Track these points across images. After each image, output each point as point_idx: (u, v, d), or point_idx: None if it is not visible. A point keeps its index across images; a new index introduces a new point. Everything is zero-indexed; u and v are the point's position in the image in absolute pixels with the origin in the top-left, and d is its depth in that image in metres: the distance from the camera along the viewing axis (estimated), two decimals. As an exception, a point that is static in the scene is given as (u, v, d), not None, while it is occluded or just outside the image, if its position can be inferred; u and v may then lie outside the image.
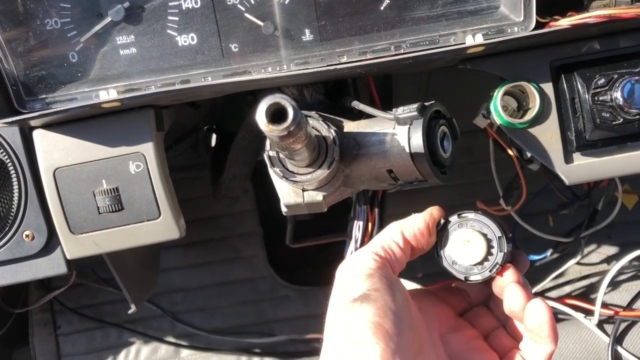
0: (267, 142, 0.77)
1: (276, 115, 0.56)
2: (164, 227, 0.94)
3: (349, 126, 0.86)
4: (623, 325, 1.29)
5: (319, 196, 0.84)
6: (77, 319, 1.52)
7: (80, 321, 1.52)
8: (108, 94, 0.85)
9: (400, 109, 0.81)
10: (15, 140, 0.93)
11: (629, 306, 1.32)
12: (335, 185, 0.84)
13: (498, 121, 0.92)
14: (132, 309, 1.15)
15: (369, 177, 0.85)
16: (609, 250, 1.46)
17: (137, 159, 0.91)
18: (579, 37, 0.90)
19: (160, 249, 1.45)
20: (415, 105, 0.80)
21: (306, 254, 1.51)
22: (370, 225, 1.07)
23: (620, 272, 1.35)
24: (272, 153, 0.77)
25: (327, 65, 0.84)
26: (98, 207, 0.92)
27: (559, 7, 0.88)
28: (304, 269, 1.57)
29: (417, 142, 0.79)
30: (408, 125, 0.80)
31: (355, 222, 1.07)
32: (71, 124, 0.91)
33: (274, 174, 0.78)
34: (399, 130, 0.81)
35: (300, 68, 0.85)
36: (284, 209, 0.88)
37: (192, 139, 1.39)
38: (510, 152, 1.07)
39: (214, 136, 1.43)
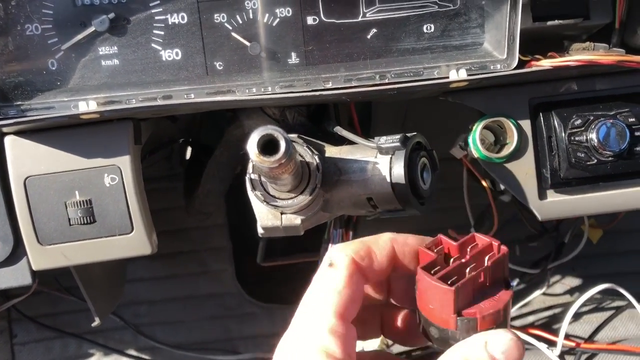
0: (250, 165, 0.76)
1: (267, 145, 0.55)
2: (136, 242, 0.92)
3: (330, 151, 0.86)
4: (584, 357, 1.32)
5: (297, 220, 0.84)
6: (35, 328, 1.47)
7: (39, 330, 1.47)
8: (88, 105, 0.83)
9: (383, 139, 0.82)
10: (-16, 145, 0.90)
11: (590, 338, 1.35)
12: (314, 209, 0.84)
13: (476, 154, 0.93)
14: (96, 321, 1.12)
15: (348, 204, 0.85)
16: (572, 282, 1.50)
17: (112, 171, 0.89)
18: (558, 77, 0.92)
19: (127, 261, 1.42)
20: (398, 136, 0.80)
21: (275, 271, 1.50)
22: (344, 249, 1.07)
23: (582, 305, 1.38)
24: (253, 176, 0.76)
25: (312, 90, 0.84)
26: (69, 219, 0.90)
27: (539, 46, 0.90)
28: (272, 286, 1.56)
29: (399, 172, 0.79)
30: (390, 155, 0.81)
31: (330, 245, 1.07)
32: (45, 132, 0.89)
33: (255, 197, 0.77)
34: (381, 160, 0.82)
35: (285, 91, 0.85)
36: (260, 231, 0.87)
37: (167, 150, 1.37)
38: (484, 183, 1.09)
39: (189, 149, 1.41)
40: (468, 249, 0.60)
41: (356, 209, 0.87)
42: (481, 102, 0.92)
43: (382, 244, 0.62)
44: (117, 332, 1.50)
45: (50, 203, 0.90)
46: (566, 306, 1.41)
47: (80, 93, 0.86)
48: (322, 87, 0.85)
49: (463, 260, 0.59)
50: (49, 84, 0.86)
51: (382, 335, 0.71)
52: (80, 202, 0.89)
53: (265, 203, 0.76)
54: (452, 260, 0.60)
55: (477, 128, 0.92)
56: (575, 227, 1.37)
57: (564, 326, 1.26)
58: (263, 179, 0.77)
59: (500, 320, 0.58)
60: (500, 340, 0.56)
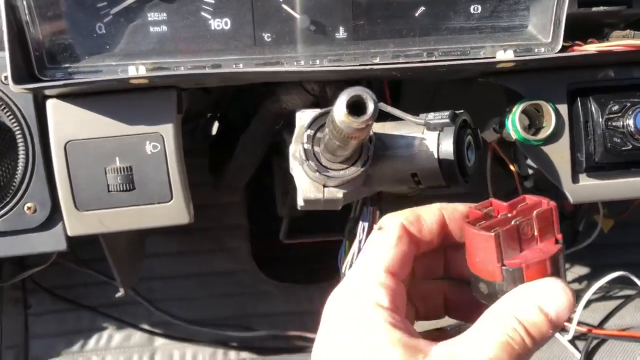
0: (305, 135, 0.77)
1: (353, 107, 0.56)
2: (174, 211, 0.92)
3: (374, 126, 0.87)
4: (594, 343, 1.35)
5: (339, 193, 0.84)
6: (50, 299, 1.46)
7: (53, 302, 1.46)
8: (137, 70, 0.83)
9: (431, 115, 0.83)
10: (28, 107, 0.90)
11: (600, 325, 1.38)
12: (357, 184, 0.84)
13: (514, 136, 0.95)
14: (121, 292, 1.12)
15: (391, 179, 0.86)
16: (582, 270, 1.53)
17: (155, 139, 0.89)
18: (596, 64, 0.94)
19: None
20: (446, 113, 0.81)
21: (290, 251, 1.51)
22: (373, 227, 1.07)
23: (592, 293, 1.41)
24: (307, 146, 0.77)
25: (362, 65, 0.84)
26: (108, 185, 0.89)
27: (578, 33, 0.91)
28: (288, 265, 1.56)
29: (447, 149, 0.80)
30: (438, 131, 0.82)
31: (360, 222, 1.07)
32: (88, 96, 0.88)
33: (307, 167, 0.78)
34: (428, 136, 0.83)
35: (334, 64, 0.86)
36: (300, 203, 0.88)
37: (192, 124, 1.37)
38: (512, 167, 1.11)
39: (215, 124, 1.40)
40: (518, 207, 0.60)
41: (398, 185, 0.88)
42: (521, 85, 0.94)
43: (431, 210, 0.65)
44: (132, 307, 1.49)
45: (90, 169, 0.89)
46: (576, 293, 1.44)
47: (128, 58, 0.85)
48: (371, 62, 0.86)
49: (509, 215, 0.59)
50: (97, 47, 0.86)
51: (445, 316, 0.72)
52: (120, 168, 0.89)
53: (317, 173, 0.77)
54: (499, 216, 0.60)
55: (517, 110, 0.93)
56: (588, 216, 1.39)
57: (578, 312, 1.29)
58: (315, 149, 0.77)
59: (547, 273, 0.56)
60: (548, 290, 0.54)
